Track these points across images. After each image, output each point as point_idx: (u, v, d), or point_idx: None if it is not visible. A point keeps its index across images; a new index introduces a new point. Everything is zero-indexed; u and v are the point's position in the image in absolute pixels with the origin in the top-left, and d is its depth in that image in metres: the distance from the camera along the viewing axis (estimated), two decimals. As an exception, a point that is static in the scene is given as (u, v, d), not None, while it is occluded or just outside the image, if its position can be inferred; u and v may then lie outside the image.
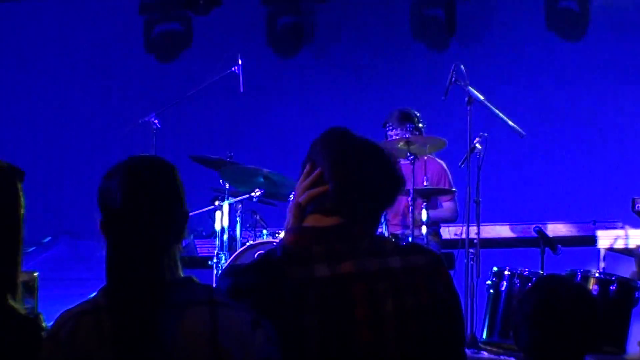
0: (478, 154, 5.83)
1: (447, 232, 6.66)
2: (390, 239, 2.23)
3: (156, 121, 6.40)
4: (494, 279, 5.34)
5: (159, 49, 8.76)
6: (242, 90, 6.42)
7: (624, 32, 7.69)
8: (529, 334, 2.54)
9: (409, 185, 5.63)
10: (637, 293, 5.17)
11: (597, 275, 5.25)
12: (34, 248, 7.75)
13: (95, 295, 1.94)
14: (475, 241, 5.70)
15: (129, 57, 8.70)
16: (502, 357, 5.13)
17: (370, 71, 8.17)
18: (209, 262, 6.07)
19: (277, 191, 6.13)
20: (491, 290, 5.33)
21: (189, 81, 7.39)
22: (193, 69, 8.19)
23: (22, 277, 2.08)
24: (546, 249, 5.49)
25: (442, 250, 6.18)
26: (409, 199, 5.69)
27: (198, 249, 7.63)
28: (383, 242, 2.15)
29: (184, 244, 2.04)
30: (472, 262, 5.62)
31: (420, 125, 6.02)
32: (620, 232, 6.27)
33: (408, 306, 2.01)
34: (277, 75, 8.42)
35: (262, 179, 6.08)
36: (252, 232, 6.36)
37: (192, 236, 7.71)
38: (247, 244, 5.87)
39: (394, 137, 5.94)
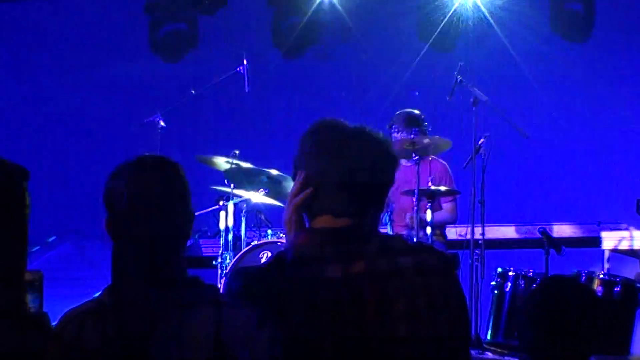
0: (482, 154, 5.83)
1: (453, 232, 6.66)
2: (400, 238, 2.21)
3: (161, 121, 6.41)
4: (498, 279, 5.34)
5: (165, 49, 8.77)
6: (247, 90, 6.43)
7: (629, 33, 7.68)
8: (533, 335, 2.55)
9: (414, 186, 5.63)
10: (641, 294, 5.17)
11: (601, 276, 5.24)
12: (38, 247, 7.77)
13: (100, 295, 1.94)
14: (480, 242, 5.70)
15: (134, 57, 8.71)
16: (506, 357, 5.13)
17: (370, 71, 8.15)
18: (214, 262, 6.08)
19: (282, 191, 6.13)
20: (496, 291, 5.34)
21: (194, 81, 7.40)
22: (198, 69, 8.19)
23: (27, 277, 2.08)
24: (551, 250, 5.48)
25: (447, 251, 6.17)
26: (414, 199, 5.68)
27: (202, 248, 7.64)
28: (394, 241, 2.15)
29: (188, 244, 2.04)
30: (476, 263, 5.63)
31: (425, 127, 6.00)
32: (624, 234, 6.26)
33: (420, 306, 2.01)
34: (283, 75, 8.42)
35: (266, 179, 6.09)
36: (257, 231, 6.37)
37: (196, 236, 7.73)
38: (252, 243, 5.88)
39: (399, 139, 5.93)
